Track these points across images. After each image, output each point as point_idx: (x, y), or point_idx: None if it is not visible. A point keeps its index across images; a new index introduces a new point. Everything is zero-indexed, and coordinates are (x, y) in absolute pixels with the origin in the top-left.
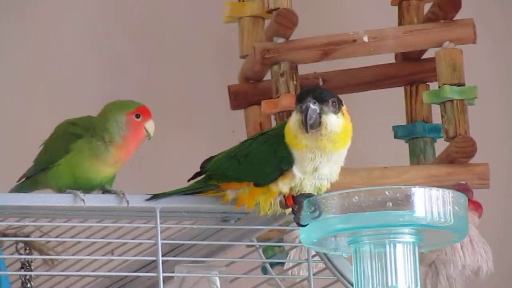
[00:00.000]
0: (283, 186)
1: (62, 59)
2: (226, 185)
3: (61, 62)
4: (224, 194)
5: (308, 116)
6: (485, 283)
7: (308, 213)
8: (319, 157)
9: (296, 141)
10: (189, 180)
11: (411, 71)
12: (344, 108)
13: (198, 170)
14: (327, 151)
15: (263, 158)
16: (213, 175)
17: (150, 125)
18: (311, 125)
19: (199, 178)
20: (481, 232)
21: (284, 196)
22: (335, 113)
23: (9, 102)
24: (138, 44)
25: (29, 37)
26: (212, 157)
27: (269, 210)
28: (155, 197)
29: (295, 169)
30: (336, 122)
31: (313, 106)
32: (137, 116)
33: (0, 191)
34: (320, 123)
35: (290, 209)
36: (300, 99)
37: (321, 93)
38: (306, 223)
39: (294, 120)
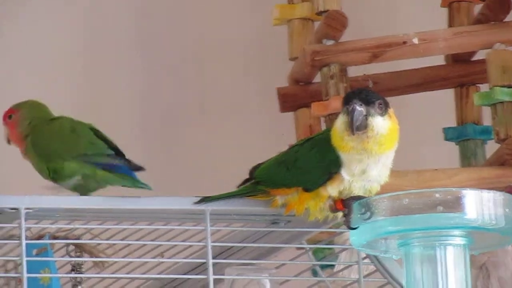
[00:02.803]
0: (332, 190)
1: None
2: (275, 191)
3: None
4: (273, 200)
5: (355, 118)
6: None
7: (359, 215)
8: (366, 159)
9: (342, 143)
10: (238, 187)
11: (461, 73)
12: (391, 110)
13: (247, 173)
14: (374, 153)
15: (311, 163)
16: (261, 182)
17: None
18: (357, 127)
19: (247, 184)
20: None
21: (334, 200)
22: (382, 115)
23: None
24: (188, 45)
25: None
26: (260, 164)
27: (319, 214)
28: (204, 199)
29: (343, 172)
30: (382, 124)
31: (360, 108)
32: None
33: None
34: (366, 125)
35: (341, 213)
36: (347, 101)
37: (367, 95)
38: (356, 226)
39: (340, 122)
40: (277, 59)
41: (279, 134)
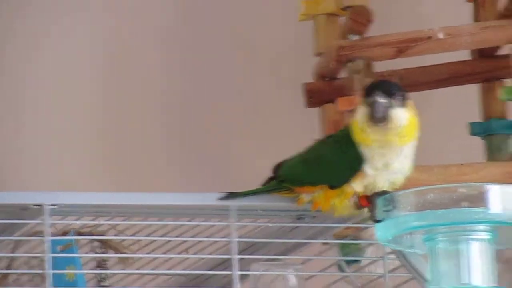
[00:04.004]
0: (356, 185)
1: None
2: (300, 189)
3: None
4: (299, 198)
5: (376, 110)
6: None
7: (383, 210)
8: (388, 152)
9: (364, 136)
10: (262, 185)
11: (486, 68)
12: (410, 102)
13: (272, 170)
14: (395, 145)
15: (334, 161)
16: (286, 180)
17: None
18: (379, 119)
19: (272, 182)
20: None
21: (358, 197)
22: (402, 106)
23: None
24: (214, 42)
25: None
26: (283, 162)
27: (344, 211)
28: (229, 195)
29: (366, 167)
30: (403, 116)
31: (381, 100)
32: None
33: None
34: (388, 116)
35: (366, 209)
36: (368, 92)
37: (389, 86)
38: (381, 219)
39: (361, 114)
40: (303, 55)
41: (305, 130)
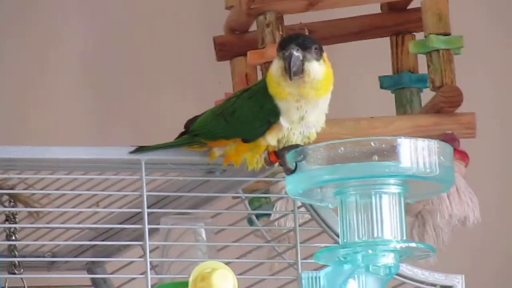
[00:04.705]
0: (271, 139)
1: None
2: (213, 143)
3: None
4: (211, 151)
5: (292, 63)
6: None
7: (294, 163)
8: (304, 105)
9: (279, 89)
10: (175, 139)
11: (397, 21)
12: (325, 55)
13: (184, 125)
14: (311, 98)
15: (249, 114)
16: (199, 134)
17: None
18: (294, 72)
19: (184, 136)
20: (467, 181)
21: (268, 152)
22: (317, 60)
23: None
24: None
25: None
26: (196, 117)
27: (256, 165)
28: (139, 149)
29: (282, 120)
30: (319, 69)
31: (296, 53)
32: None
33: None
34: (303, 70)
35: (276, 164)
36: (283, 46)
37: (304, 40)
38: (292, 173)
39: (276, 67)
40: (213, 8)
41: (216, 83)
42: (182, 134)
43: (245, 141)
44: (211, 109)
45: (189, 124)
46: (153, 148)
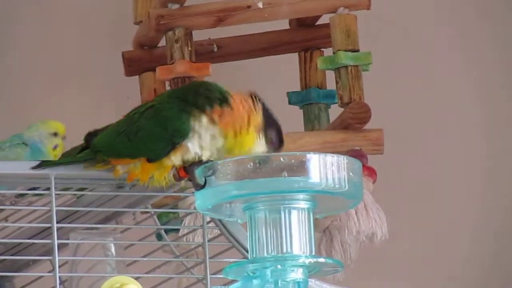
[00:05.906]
0: (176, 159)
1: None
2: (116, 161)
3: None
4: (114, 169)
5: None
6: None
7: (203, 179)
8: (211, 126)
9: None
10: (77, 154)
11: (305, 37)
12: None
13: (84, 139)
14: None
15: (153, 133)
16: (101, 151)
17: None
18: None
19: (86, 151)
20: (375, 198)
21: (177, 169)
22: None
23: None
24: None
25: None
26: (96, 131)
27: (164, 182)
28: (43, 164)
29: (188, 140)
30: None
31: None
32: None
33: None
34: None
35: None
36: None
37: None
38: (201, 188)
39: None
40: (122, 23)
41: (125, 98)
42: (83, 149)
43: (150, 160)
44: (114, 125)
45: (88, 138)
46: (56, 163)
